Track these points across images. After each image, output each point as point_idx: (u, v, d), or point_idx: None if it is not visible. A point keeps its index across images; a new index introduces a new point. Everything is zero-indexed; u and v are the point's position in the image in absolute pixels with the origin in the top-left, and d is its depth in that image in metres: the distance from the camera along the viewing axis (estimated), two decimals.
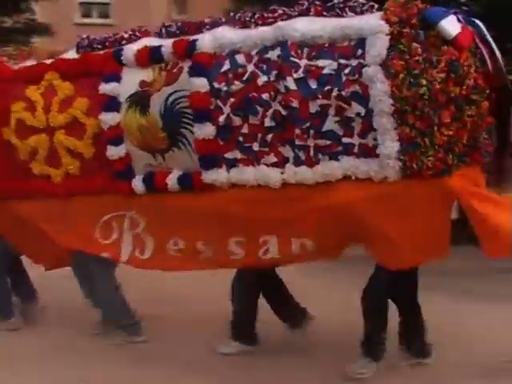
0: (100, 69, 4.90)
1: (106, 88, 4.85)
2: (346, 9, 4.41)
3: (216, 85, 4.50)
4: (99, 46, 5.08)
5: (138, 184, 4.87)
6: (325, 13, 4.46)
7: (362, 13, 4.38)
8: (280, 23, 4.45)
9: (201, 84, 4.51)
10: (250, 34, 4.51)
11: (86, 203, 5.06)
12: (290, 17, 4.53)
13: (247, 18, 4.64)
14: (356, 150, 4.26)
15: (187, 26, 4.89)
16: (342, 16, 4.39)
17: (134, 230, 4.97)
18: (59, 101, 5.00)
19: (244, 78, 4.43)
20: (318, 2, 4.53)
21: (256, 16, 4.63)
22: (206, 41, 4.60)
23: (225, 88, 4.47)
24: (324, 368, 4.80)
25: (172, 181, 4.75)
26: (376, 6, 4.41)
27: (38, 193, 5.19)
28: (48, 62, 5.17)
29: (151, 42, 4.86)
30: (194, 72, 4.55)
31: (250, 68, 4.44)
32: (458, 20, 4.22)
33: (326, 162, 4.34)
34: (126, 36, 5.04)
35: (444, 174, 4.15)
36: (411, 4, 4.21)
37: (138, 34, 5.04)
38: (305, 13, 4.51)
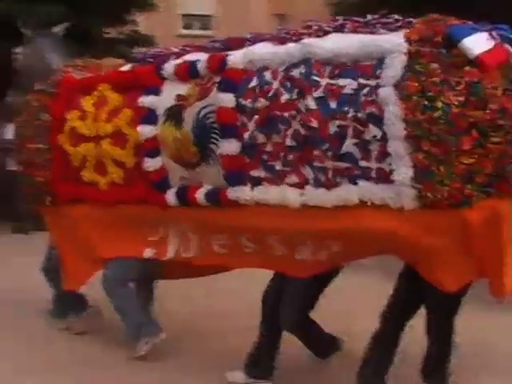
0: (143, 82, 5.00)
1: (145, 100, 4.93)
2: (378, 25, 4.22)
3: (242, 101, 4.43)
4: (151, 60, 5.18)
5: (170, 196, 4.90)
6: (359, 29, 4.30)
7: (395, 30, 4.17)
8: (307, 40, 4.32)
9: (227, 99, 4.47)
10: (279, 51, 4.42)
11: (129, 212, 5.17)
12: (325, 33, 4.40)
13: (285, 34, 4.56)
14: (374, 174, 4.05)
15: (231, 41, 4.86)
16: (373, 33, 4.21)
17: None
18: (108, 111, 5.15)
19: (269, 95, 4.34)
20: (354, 18, 4.38)
21: (292, 32, 4.54)
22: (237, 56, 4.56)
23: (250, 104, 4.40)
24: None
25: (200, 195, 4.74)
26: (413, 21, 4.19)
27: (88, 199, 5.36)
28: (102, 73, 5.35)
29: (194, 57, 4.88)
30: (223, 87, 4.52)
31: (275, 85, 4.33)
32: (493, 37, 3.91)
33: (344, 185, 4.16)
34: (175, 51, 5.11)
35: (463, 206, 3.85)
36: (441, 21, 3.96)
37: (188, 48, 5.08)
38: (339, 29, 4.36)
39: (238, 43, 4.78)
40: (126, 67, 5.33)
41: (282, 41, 4.52)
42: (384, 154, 3.97)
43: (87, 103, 5.28)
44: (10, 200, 10.93)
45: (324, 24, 4.44)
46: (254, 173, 4.48)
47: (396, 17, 4.22)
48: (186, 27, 23.83)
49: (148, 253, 5.19)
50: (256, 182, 4.49)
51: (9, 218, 11.17)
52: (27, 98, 5.66)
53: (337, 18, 4.45)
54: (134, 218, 5.17)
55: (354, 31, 4.28)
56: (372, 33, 4.20)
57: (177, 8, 23.75)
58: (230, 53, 4.64)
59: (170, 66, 4.90)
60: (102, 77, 5.33)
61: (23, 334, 6.02)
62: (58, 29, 6.23)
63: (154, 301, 5.89)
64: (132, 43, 13.58)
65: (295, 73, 4.27)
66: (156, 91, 4.92)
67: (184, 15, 23.96)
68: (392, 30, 4.16)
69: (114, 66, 5.50)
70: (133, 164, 5.07)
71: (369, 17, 4.29)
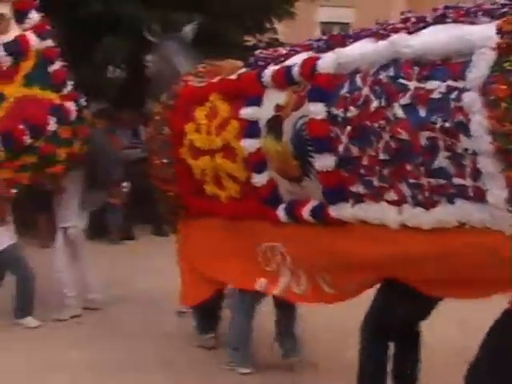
0: (246, 91, 4.66)
1: (246, 112, 4.60)
2: (480, 13, 3.52)
3: (334, 110, 3.96)
4: (262, 64, 4.81)
5: (281, 212, 4.56)
6: (462, 18, 3.62)
7: (498, 17, 3.44)
8: (395, 37, 3.73)
9: (317, 110, 4.01)
10: (367, 51, 3.87)
11: (245, 227, 4.91)
12: (425, 25, 3.77)
13: (381, 30, 3.99)
14: (470, 192, 3.42)
15: (334, 39, 4.34)
16: (473, 23, 3.51)
17: (285, 262, 4.67)
18: (217, 124, 4.89)
19: (359, 103, 3.83)
20: (458, 5, 3.69)
21: (388, 26, 3.96)
22: (327, 60, 4.07)
23: (342, 114, 3.92)
24: None
25: (306, 211, 4.35)
26: None
27: (212, 212, 5.17)
28: (215, 81, 5.07)
29: (292, 61, 4.45)
30: (312, 96, 4.07)
31: (365, 91, 3.81)
32: None
33: (443, 204, 3.57)
34: (284, 52, 4.69)
35: None
36: None
37: (297, 49, 4.63)
38: (440, 20, 3.70)
39: (340, 41, 4.27)
40: (238, 73, 5.00)
41: (381, 37, 3.97)
42: (477, 171, 3.34)
43: (200, 115, 5.04)
44: (150, 202, 10.97)
45: (424, 15, 3.81)
46: (354, 188, 4.02)
47: (501, 1, 3.50)
48: (324, 35, 23.18)
49: (260, 284, 4.86)
50: (357, 199, 4.03)
51: (149, 220, 11.31)
52: (153, 110, 5.58)
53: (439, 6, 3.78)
54: (250, 234, 4.89)
55: (457, 21, 3.62)
56: (472, 23, 3.52)
57: (315, 16, 23.85)
58: (322, 55, 4.18)
59: (268, 73, 4.52)
60: (213, 85, 5.05)
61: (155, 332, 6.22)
62: (188, 29, 6.04)
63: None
64: None
65: (383, 76, 3.72)
66: (257, 101, 4.56)
67: (322, 22, 24.09)
68: (495, 18, 3.45)
69: (232, 69, 5.18)
70: (244, 178, 4.79)
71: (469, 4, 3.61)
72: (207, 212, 5.22)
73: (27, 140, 5.99)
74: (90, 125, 6.68)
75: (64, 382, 5.27)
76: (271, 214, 4.63)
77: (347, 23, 23.96)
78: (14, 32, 6.14)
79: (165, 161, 5.39)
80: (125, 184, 10.05)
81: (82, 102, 6.54)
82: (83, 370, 5.44)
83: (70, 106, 6.29)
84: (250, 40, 13.96)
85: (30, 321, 6.41)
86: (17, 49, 6.10)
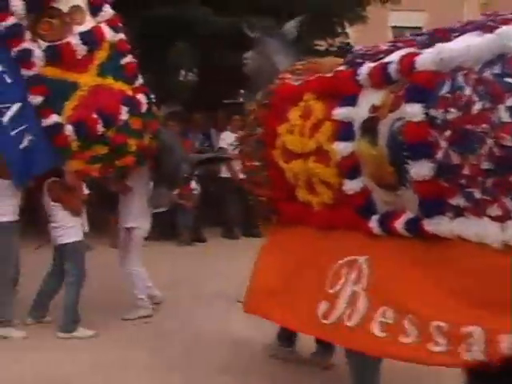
0: (340, 89, 4.29)
1: (340, 113, 4.22)
2: None
3: (433, 112, 3.54)
4: (360, 61, 4.41)
5: (374, 223, 4.15)
6: None
7: None
8: (503, 28, 3.28)
9: (414, 111, 3.60)
10: (472, 45, 3.42)
11: (335, 238, 4.51)
12: None
13: (489, 21, 3.53)
14: None
15: (438, 32, 3.90)
16: None
17: (356, 285, 4.17)
18: (311, 125, 4.52)
19: (460, 104, 3.40)
20: None
21: (499, 17, 3.49)
22: (427, 56, 3.64)
23: (442, 116, 3.49)
24: None
25: (400, 224, 3.93)
26: None
27: (301, 219, 4.81)
28: (311, 79, 4.71)
29: (390, 57, 4.03)
30: (409, 96, 3.66)
31: (468, 91, 3.37)
32: None
33: None
34: (383, 48, 4.27)
35: None
36: None
37: (398, 44, 4.20)
38: None
39: (444, 36, 3.82)
40: (334, 70, 4.61)
41: (489, 29, 3.51)
42: None
43: (295, 115, 4.68)
44: (221, 205, 11.28)
45: None
46: (453, 200, 3.57)
47: None
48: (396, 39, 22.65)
49: (322, 307, 4.32)
50: (456, 212, 3.58)
51: (220, 222, 11.42)
52: (249, 110, 5.28)
53: None
54: (336, 246, 4.46)
55: None
56: None
57: (387, 20, 23.53)
58: (422, 51, 3.75)
59: (365, 70, 4.13)
60: (309, 84, 4.68)
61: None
62: (290, 26, 5.69)
63: None
64: (342, 56, 12.84)
65: (488, 73, 3.29)
66: (352, 101, 4.18)
67: (394, 27, 23.72)
68: None
69: (331, 66, 4.79)
70: (338, 184, 4.40)
71: None
72: (299, 219, 4.84)
73: (100, 129, 5.99)
74: (160, 123, 6.66)
75: (131, 380, 5.25)
76: (363, 224, 4.23)
77: (419, 27, 23.52)
78: (89, 23, 6.21)
79: (257, 163, 5.08)
80: (195, 186, 10.37)
81: (152, 97, 6.56)
82: (149, 368, 5.42)
83: (141, 98, 6.32)
84: (322, 44, 13.89)
85: (82, 332, 6.19)
86: (92, 39, 6.16)
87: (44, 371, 5.30)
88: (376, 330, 3.83)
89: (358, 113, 4.14)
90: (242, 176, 5.30)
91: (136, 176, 6.65)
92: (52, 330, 6.22)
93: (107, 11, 6.31)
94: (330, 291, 4.27)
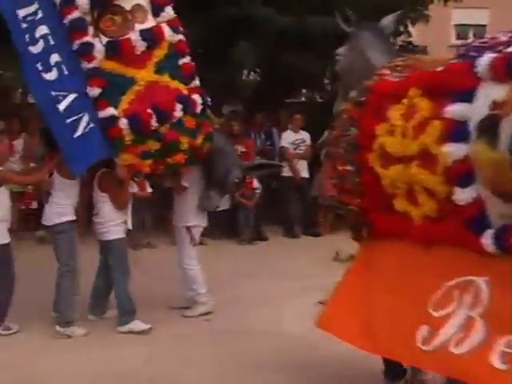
0: (454, 84, 3.73)
1: (454, 110, 3.67)
2: None
3: None
4: (474, 54, 3.85)
5: (487, 239, 3.59)
6: None
7: None
8: None
9: None
10: None
11: (438, 255, 3.95)
12: None
13: None
14: None
15: None
16: None
17: (473, 310, 3.64)
18: (415, 125, 3.97)
19: None
20: None
21: None
22: None
23: None
24: None
25: None
26: None
27: (397, 233, 4.26)
28: (415, 75, 4.16)
29: None
30: None
31: None
32: None
33: None
34: (504, 39, 3.72)
35: None
36: None
37: None
38: None
39: None
40: (447, 64, 4.04)
41: None
42: None
43: (395, 114, 4.13)
44: (282, 204, 11.49)
45: None
46: None
47: None
48: (460, 37, 22.14)
49: (422, 332, 3.83)
50: None
51: (280, 221, 11.54)
52: (339, 110, 4.77)
53: None
54: (441, 265, 3.92)
55: None
56: None
57: (450, 19, 23.13)
58: None
59: (485, 61, 3.58)
60: (413, 79, 4.14)
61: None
62: (388, 20, 5.16)
63: None
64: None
65: None
66: (469, 96, 3.63)
67: (457, 25, 23.53)
68: None
69: (437, 61, 4.22)
70: (445, 194, 3.84)
71: None
72: (394, 233, 4.31)
73: (153, 124, 6.03)
74: (213, 126, 6.69)
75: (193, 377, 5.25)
76: (474, 240, 3.67)
77: (483, 25, 22.97)
78: (150, 22, 6.34)
79: (349, 168, 4.55)
80: (257, 185, 10.60)
81: (208, 100, 6.64)
82: (215, 365, 5.45)
83: (197, 98, 6.36)
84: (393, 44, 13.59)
85: (137, 324, 6.27)
86: (151, 37, 6.26)
87: (103, 367, 5.39)
88: (495, 360, 3.29)
89: (475, 110, 3.60)
90: (332, 181, 4.73)
91: (189, 176, 6.69)
92: (113, 326, 6.36)
93: (169, 12, 6.44)
94: (435, 314, 3.74)
